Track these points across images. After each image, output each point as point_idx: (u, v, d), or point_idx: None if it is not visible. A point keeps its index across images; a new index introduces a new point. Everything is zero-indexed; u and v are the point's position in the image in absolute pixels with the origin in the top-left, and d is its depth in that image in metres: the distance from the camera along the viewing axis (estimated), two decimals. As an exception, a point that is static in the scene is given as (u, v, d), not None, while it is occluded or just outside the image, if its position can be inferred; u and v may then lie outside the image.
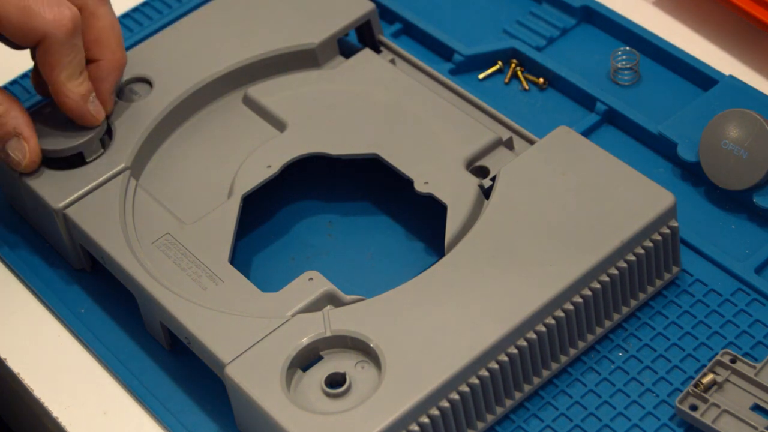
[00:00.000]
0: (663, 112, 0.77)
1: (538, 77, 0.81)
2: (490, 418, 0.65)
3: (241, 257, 0.73)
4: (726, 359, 0.65)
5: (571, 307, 0.65)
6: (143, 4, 0.88)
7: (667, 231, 0.67)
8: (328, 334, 0.64)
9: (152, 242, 0.70)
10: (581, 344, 0.67)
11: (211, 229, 0.70)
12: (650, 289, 0.68)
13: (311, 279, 0.67)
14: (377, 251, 0.73)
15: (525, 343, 0.64)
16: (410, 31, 0.85)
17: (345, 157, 0.73)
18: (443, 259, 0.67)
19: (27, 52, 0.86)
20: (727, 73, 0.78)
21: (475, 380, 0.63)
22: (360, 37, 0.81)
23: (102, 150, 0.74)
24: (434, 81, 0.78)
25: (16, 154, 0.72)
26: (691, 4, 0.84)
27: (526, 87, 0.81)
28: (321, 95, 0.76)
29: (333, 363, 0.64)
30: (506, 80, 0.81)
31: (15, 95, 0.84)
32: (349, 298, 0.66)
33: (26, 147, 0.72)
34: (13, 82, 0.85)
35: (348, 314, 0.65)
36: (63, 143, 0.73)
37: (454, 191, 0.70)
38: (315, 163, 0.75)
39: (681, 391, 0.65)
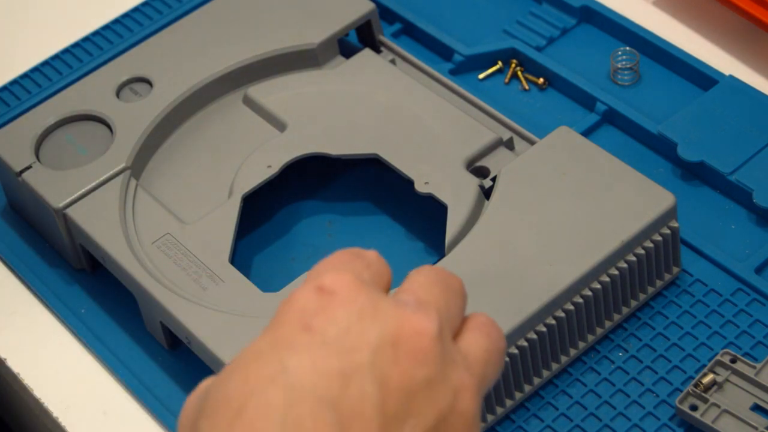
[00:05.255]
0: (663, 112, 0.77)
1: (538, 77, 0.81)
2: (490, 418, 0.65)
3: (241, 257, 0.73)
4: (726, 359, 0.65)
5: (572, 307, 0.65)
6: (143, 4, 0.88)
7: (668, 231, 0.67)
8: (329, 334, 0.64)
9: (152, 242, 0.70)
10: (581, 344, 0.67)
11: (212, 229, 0.70)
12: (650, 290, 0.68)
13: (311, 279, 0.67)
14: (377, 251, 0.73)
15: (525, 344, 0.64)
16: (410, 31, 0.85)
17: (345, 157, 0.73)
18: (443, 260, 0.67)
19: (26, 53, 0.87)
20: (727, 73, 0.78)
21: (475, 380, 0.63)
22: (360, 37, 0.81)
23: None
24: (434, 81, 0.78)
25: None
26: (691, 4, 0.84)
27: (526, 87, 0.81)
28: (321, 95, 0.76)
29: (333, 363, 0.64)
30: (506, 80, 0.81)
31: (15, 95, 0.84)
32: (349, 298, 0.66)
33: None
34: (13, 82, 0.85)
35: (348, 314, 0.64)
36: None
37: (455, 191, 0.70)
38: (315, 163, 0.75)
39: (681, 391, 0.65)
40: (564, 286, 0.64)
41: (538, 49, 0.82)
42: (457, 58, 0.82)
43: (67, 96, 0.77)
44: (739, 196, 0.73)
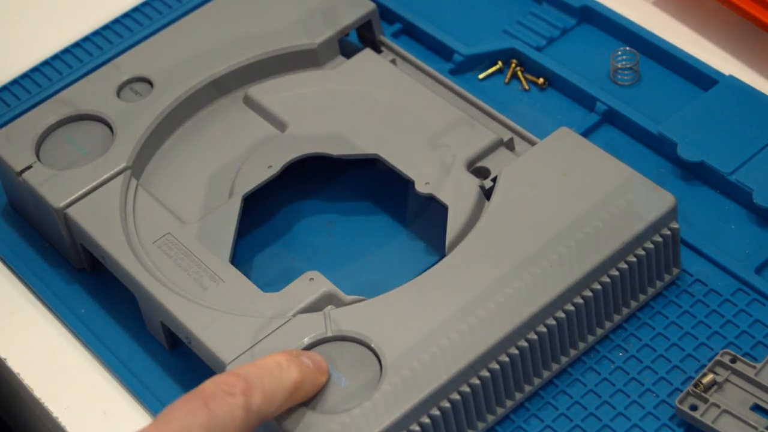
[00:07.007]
0: (663, 112, 0.77)
1: (538, 77, 0.81)
2: (490, 418, 0.65)
3: (241, 257, 0.73)
4: (726, 359, 0.65)
5: (572, 308, 0.65)
6: (143, 4, 0.88)
7: (668, 232, 0.67)
8: (329, 334, 0.64)
9: (153, 242, 0.70)
10: (581, 345, 0.67)
11: (212, 228, 0.70)
12: (650, 291, 0.68)
13: (312, 279, 0.67)
14: (377, 251, 0.73)
15: (526, 344, 0.64)
16: (410, 31, 0.85)
17: (345, 157, 0.73)
18: (444, 260, 0.67)
19: (26, 53, 0.87)
20: (727, 73, 0.78)
21: (476, 380, 0.63)
22: (361, 37, 0.81)
23: None
24: (435, 81, 0.78)
25: None
26: (691, 4, 0.84)
27: (526, 87, 0.81)
28: (321, 95, 0.76)
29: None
30: (506, 80, 0.81)
31: (15, 95, 0.84)
32: (349, 298, 0.66)
33: None
34: (13, 82, 0.85)
35: (349, 314, 0.65)
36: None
37: (455, 192, 0.70)
38: (315, 163, 0.75)
39: (681, 391, 0.65)
40: (564, 286, 0.64)
41: (538, 49, 0.82)
42: (457, 58, 0.82)
43: (67, 96, 0.77)
44: (739, 196, 0.73)
